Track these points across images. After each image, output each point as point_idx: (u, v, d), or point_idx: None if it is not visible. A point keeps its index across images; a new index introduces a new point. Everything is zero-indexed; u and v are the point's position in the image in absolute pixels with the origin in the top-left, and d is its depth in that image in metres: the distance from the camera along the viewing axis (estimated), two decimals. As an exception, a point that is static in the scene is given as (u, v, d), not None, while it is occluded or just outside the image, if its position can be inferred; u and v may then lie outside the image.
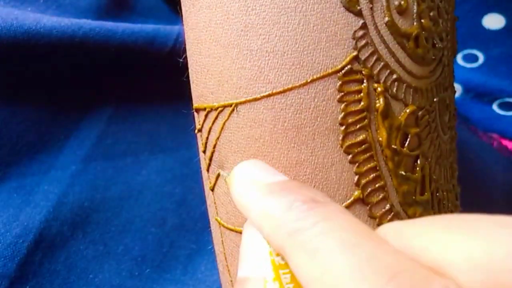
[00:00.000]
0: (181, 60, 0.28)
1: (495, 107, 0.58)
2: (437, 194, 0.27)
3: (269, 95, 0.23)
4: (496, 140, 0.57)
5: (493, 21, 0.57)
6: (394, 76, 0.24)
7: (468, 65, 0.59)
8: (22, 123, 0.37)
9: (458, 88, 0.59)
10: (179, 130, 0.43)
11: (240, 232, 0.25)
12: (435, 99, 0.25)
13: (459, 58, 0.59)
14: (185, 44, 0.27)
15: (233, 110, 0.24)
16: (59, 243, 0.37)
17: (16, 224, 0.35)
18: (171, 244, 0.40)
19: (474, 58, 0.59)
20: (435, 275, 0.16)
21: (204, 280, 0.40)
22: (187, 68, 0.28)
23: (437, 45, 0.25)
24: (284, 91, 0.23)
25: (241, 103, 0.24)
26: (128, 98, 0.42)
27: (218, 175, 0.26)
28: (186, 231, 0.41)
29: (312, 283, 0.17)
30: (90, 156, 0.40)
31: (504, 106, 0.58)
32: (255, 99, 0.23)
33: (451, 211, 0.28)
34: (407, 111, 0.24)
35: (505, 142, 0.57)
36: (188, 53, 0.27)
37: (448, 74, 0.27)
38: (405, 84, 0.24)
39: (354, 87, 0.23)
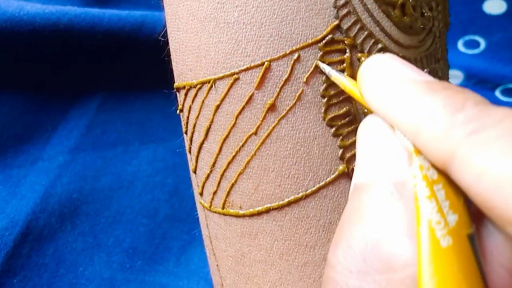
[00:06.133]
0: (160, 38, 0.27)
1: (497, 93, 0.57)
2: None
3: (247, 69, 0.22)
4: (499, 127, 0.56)
5: (494, 6, 0.56)
6: (379, 46, 0.22)
7: (470, 52, 0.58)
8: (7, 114, 0.37)
9: (459, 75, 0.58)
10: (170, 119, 0.42)
11: (224, 214, 0.24)
12: (425, 70, 0.24)
13: (460, 45, 0.58)
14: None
15: (211, 86, 0.23)
16: (47, 235, 0.36)
17: (2, 217, 0.34)
18: (163, 235, 0.40)
19: (476, 44, 0.58)
20: None
21: (197, 271, 0.39)
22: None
23: (425, 14, 0.24)
24: (262, 64, 0.22)
25: (219, 78, 0.23)
26: (117, 86, 0.41)
27: (199, 152, 0.25)
28: (178, 222, 0.40)
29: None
30: (79, 146, 0.39)
31: (507, 92, 0.57)
32: (233, 74, 0.22)
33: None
34: (394, 82, 0.23)
35: (509, 129, 0.56)
36: (168, 30, 0.26)
37: (440, 46, 0.26)
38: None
39: (336, 57, 0.22)
